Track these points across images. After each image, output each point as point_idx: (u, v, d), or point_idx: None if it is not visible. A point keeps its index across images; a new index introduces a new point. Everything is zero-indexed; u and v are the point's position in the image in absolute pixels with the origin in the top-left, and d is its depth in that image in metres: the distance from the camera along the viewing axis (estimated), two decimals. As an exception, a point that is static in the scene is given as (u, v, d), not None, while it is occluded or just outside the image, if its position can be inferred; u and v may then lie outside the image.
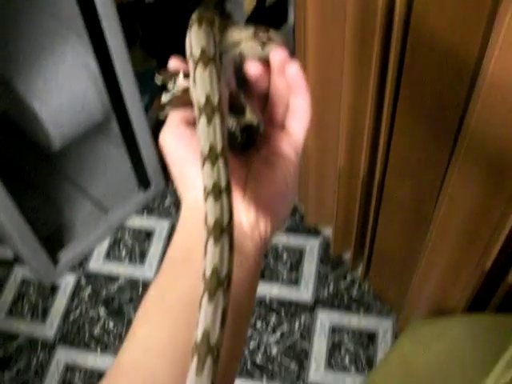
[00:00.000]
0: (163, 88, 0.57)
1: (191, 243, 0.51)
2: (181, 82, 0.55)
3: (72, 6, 1.55)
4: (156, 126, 2.10)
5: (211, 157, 0.48)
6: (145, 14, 2.40)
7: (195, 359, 0.42)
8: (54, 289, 2.02)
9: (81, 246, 2.05)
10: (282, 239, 2.03)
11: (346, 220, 1.75)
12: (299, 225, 2.06)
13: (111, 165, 2.18)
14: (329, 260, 1.98)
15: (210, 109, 0.49)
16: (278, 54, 0.55)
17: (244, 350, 0.46)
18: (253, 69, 0.56)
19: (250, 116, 0.56)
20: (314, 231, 2.05)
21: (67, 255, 2.02)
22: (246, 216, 0.53)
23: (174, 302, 0.49)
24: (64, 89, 1.76)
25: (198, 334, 0.43)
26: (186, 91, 0.55)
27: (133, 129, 1.88)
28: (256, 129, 0.56)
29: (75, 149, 2.12)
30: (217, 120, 0.49)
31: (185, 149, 0.54)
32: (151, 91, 2.34)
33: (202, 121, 0.49)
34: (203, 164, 0.48)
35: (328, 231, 2.01)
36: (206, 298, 0.44)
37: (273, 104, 0.58)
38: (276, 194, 0.55)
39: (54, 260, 1.99)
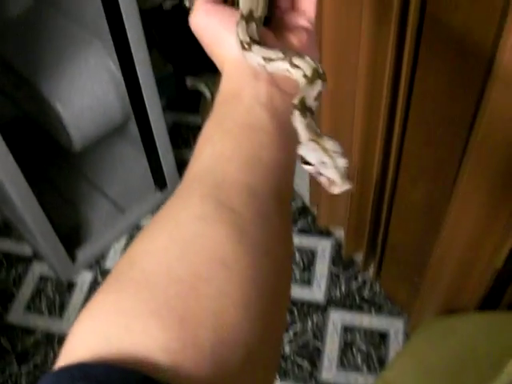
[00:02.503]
0: None
1: (239, 86, 0.57)
2: None
3: (97, 12, 1.60)
4: (172, 129, 2.13)
5: (248, 18, 0.58)
6: (162, 20, 2.45)
7: (297, 112, 0.53)
8: (71, 285, 2.07)
9: (98, 244, 2.10)
10: (295, 240, 2.07)
11: (358, 221, 1.80)
12: (311, 226, 2.11)
13: (129, 165, 2.23)
14: (341, 261, 2.03)
15: None
16: None
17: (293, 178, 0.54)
18: None
19: None
20: (326, 232, 2.09)
21: (85, 253, 2.07)
22: None
23: (232, 125, 0.53)
24: (87, 92, 1.81)
25: (296, 98, 0.54)
26: None
27: (152, 130, 1.93)
28: (274, 10, 0.64)
29: (94, 149, 2.17)
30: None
31: (217, 18, 0.61)
32: (168, 95, 2.40)
33: None
34: (238, 23, 0.58)
35: (340, 233, 2.05)
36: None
37: None
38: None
39: (72, 257, 2.04)
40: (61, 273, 2.05)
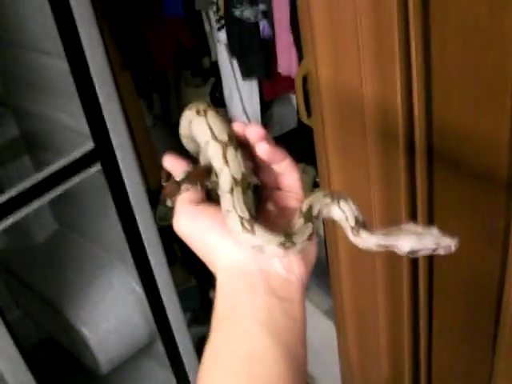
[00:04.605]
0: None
1: (235, 299, 0.55)
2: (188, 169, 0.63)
3: (119, 235, 1.67)
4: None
5: (248, 221, 0.56)
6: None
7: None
8: None
9: None
10: None
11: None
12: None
13: (157, 384, 2.19)
14: None
15: (245, 183, 0.59)
16: (252, 131, 0.61)
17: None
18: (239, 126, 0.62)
19: (253, 179, 0.63)
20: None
21: None
22: (279, 261, 0.57)
23: (231, 359, 0.52)
24: (111, 314, 1.84)
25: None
26: (196, 170, 0.63)
27: (178, 348, 1.92)
28: (260, 188, 0.64)
29: (121, 370, 2.14)
30: (250, 193, 0.59)
31: (201, 223, 0.59)
32: (192, 307, 2.42)
33: (237, 190, 0.58)
34: (256, 232, 0.56)
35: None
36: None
37: (263, 173, 0.63)
38: None
39: None
40: None
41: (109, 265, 1.90)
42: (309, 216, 0.59)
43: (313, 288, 2.10)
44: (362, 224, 0.60)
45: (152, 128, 2.72)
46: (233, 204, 0.58)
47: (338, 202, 0.61)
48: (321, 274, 2.02)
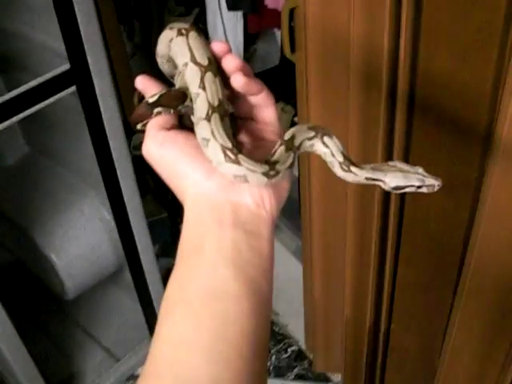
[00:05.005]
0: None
1: (202, 234, 0.54)
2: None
3: (92, 162, 1.64)
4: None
5: (231, 150, 0.55)
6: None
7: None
8: None
9: (91, 395, 2.03)
10: (292, 387, 2.02)
11: (355, 368, 1.76)
12: (308, 372, 2.06)
13: (123, 313, 2.20)
14: (339, 408, 1.96)
15: (222, 110, 0.57)
16: (229, 61, 0.58)
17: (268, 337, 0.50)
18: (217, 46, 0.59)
19: (230, 107, 0.60)
20: (323, 378, 2.04)
21: (77, 405, 2.01)
22: (250, 195, 0.56)
23: (194, 293, 0.51)
24: (80, 241, 1.83)
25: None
26: (170, 93, 0.60)
27: (145, 278, 1.93)
28: (236, 118, 0.61)
29: (88, 296, 2.15)
30: (227, 120, 0.57)
31: (172, 150, 0.57)
32: (162, 240, 2.42)
33: (215, 117, 0.56)
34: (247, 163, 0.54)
35: (337, 378, 2.00)
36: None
37: (240, 103, 0.60)
38: None
39: (64, 410, 1.97)
40: (51, 427, 1.97)
41: (80, 191, 1.88)
42: (290, 145, 0.58)
43: (282, 228, 2.11)
44: (349, 159, 0.60)
45: (131, 57, 2.66)
46: (211, 132, 0.55)
47: (322, 137, 0.60)
48: (291, 215, 2.03)
